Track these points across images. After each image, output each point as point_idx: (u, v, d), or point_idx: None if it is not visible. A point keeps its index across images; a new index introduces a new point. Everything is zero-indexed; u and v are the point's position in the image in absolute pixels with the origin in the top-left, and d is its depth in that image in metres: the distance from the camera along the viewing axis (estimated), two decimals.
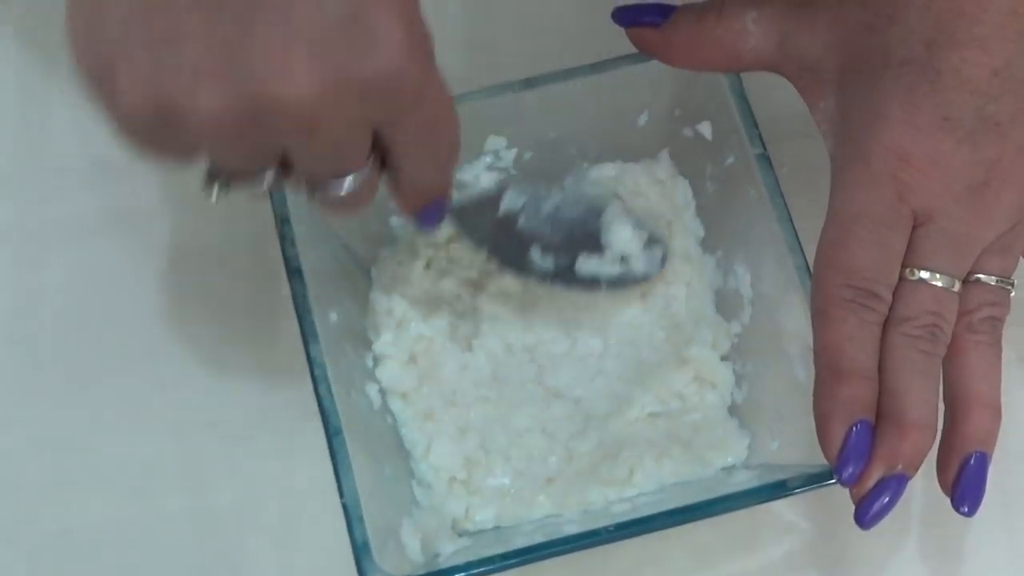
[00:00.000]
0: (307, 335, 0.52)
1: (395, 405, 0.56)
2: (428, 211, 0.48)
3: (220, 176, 0.44)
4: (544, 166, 0.59)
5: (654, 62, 0.55)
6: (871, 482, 0.48)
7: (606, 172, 0.60)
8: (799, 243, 0.53)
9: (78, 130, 0.59)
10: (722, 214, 0.58)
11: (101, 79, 0.40)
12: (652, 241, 0.57)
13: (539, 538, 0.50)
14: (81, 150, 0.63)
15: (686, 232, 0.59)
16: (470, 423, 0.56)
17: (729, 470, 0.55)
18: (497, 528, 0.55)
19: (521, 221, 0.56)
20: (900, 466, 0.48)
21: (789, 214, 0.54)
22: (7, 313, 0.61)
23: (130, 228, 0.62)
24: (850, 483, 0.48)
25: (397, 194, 0.46)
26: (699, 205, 0.59)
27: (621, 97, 0.58)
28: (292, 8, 0.38)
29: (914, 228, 0.48)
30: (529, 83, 0.56)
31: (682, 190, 0.60)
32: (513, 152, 0.58)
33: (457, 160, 0.47)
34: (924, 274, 0.48)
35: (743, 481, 0.52)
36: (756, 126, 0.55)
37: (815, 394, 0.49)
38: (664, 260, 0.58)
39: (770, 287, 0.56)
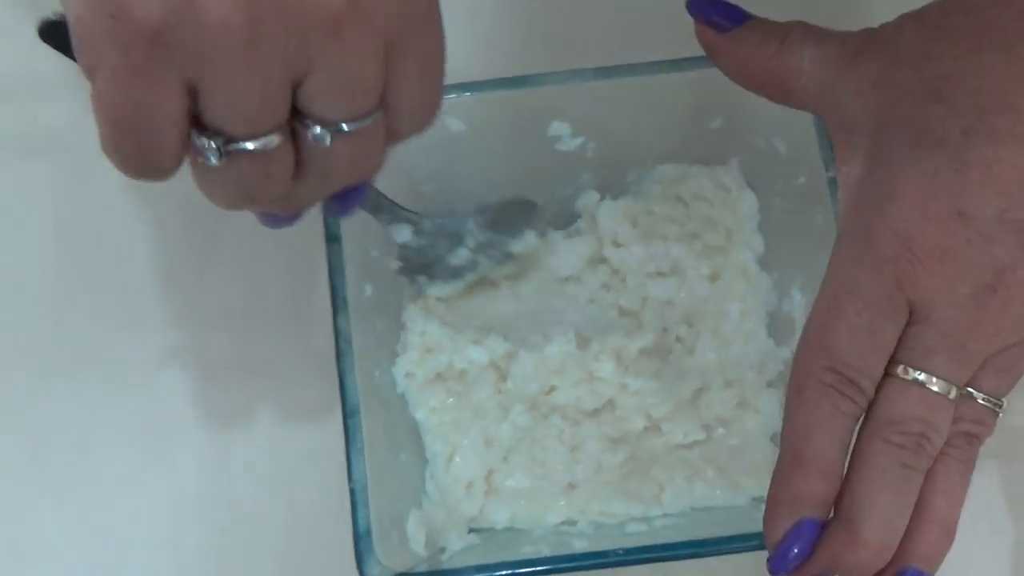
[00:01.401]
0: (337, 304, 0.50)
1: (419, 414, 0.54)
2: (349, 194, 0.44)
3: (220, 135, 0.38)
4: (608, 158, 0.57)
5: None
6: None
7: (669, 172, 0.57)
8: None
9: None
10: (786, 234, 0.56)
11: None
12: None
13: (546, 550, 0.49)
14: None
15: (745, 246, 0.57)
16: (497, 436, 0.54)
17: (759, 501, 0.53)
18: (510, 529, 0.53)
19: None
20: None
21: None
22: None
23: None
24: None
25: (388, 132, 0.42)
26: (763, 220, 0.57)
27: (697, 98, 0.55)
28: None
29: (909, 324, 0.45)
30: (603, 72, 0.54)
31: (748, 202, 0.57)
32: (578, 141, 0.56)
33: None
34: (919, 375, 0.44)
35: None
36: (832, 149, 0.52)
37: (773, 475, 0.45)
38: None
39: None
